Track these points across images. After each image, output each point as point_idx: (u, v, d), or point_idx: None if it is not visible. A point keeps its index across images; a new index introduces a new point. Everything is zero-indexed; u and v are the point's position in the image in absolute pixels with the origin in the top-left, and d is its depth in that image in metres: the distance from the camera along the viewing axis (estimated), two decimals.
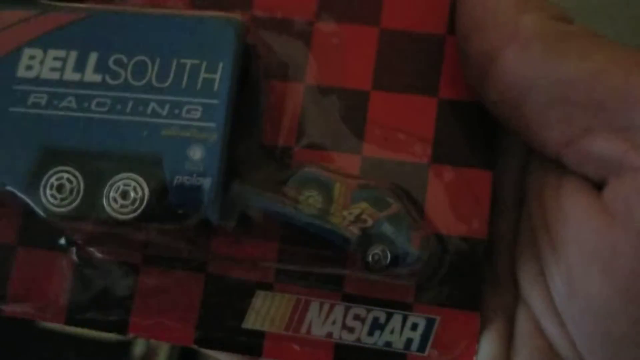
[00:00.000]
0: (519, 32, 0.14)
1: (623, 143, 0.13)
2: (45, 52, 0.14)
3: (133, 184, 0.14)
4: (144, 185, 0.14)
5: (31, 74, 0.14)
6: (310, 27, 0.17)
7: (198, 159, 0.14)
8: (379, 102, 0.17)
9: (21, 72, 0.15)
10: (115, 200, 0.14)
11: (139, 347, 0.66)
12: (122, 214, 0.14)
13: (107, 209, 0.14)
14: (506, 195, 0.17)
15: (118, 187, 0.14)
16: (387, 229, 0.14)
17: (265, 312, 0.16)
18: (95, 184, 0.14)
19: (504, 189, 0.17)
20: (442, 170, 0.17)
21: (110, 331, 0.17)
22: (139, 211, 0.14)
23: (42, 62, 0.14)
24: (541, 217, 0.15)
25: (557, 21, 0.15)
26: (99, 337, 0.65)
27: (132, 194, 0.14)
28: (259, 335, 0.16)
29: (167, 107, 0.14)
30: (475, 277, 0.16)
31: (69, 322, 0.17)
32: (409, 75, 0.17)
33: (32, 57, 0.14)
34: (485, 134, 0.17)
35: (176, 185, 0.14)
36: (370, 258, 0.14)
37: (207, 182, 0.14)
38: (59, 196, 0.14)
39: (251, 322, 0.16)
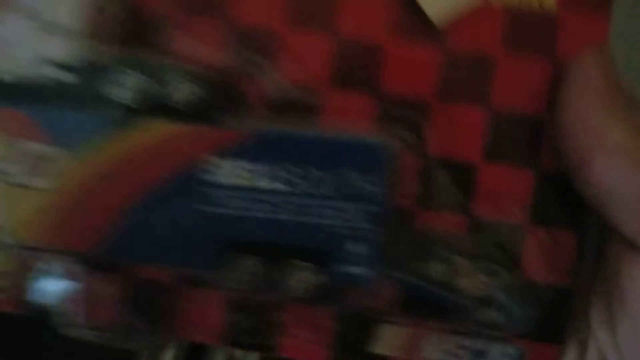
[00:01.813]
0: (606, 144, 0.17)
1: None
2: (229, 162, 0.18)
3: (305, 271, 0.18)
4: (315, 272, 0.18)
5: (216, 180, 0.18)
6: (430, 107, 0.21)
7: (359, 252, 0.18)
8: (486, 173, 0.20)
9: (210, 177, 0.18)
10: (297, 281, 0.18)
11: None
12: (302, 290, 0.18)
13: (290, 287, 0.18)
14: (587, 252, 0.21)
15: (291, 273, 0.18)
16: (500, 296, 0.19)
17: (390, 341, 0.21)
18: (276, 270, 0.18)
19: (586, 246, 0.21)
20: (537, 230, 0.20)
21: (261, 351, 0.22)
22: (310, 291, 0.18)
23: (226, 171, 0.18)
24: (615, 278, 0.19)
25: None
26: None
27: (309, 278, 0.18)
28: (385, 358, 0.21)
29: (334, 210, 0.18)
30: (560, 317, 0.20)
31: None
32: (513, 150, 0.20)
33: (216, 166, 0.18)
34: (574, 202, 0.20)
35: (340, 273, 0.18)
36: (484, 320, 0.19)
37: (364, 271, 0.18)
38: (245, 279, 0.18)
39: (379, 348, 0.21)
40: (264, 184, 0.18)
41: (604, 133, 0.18)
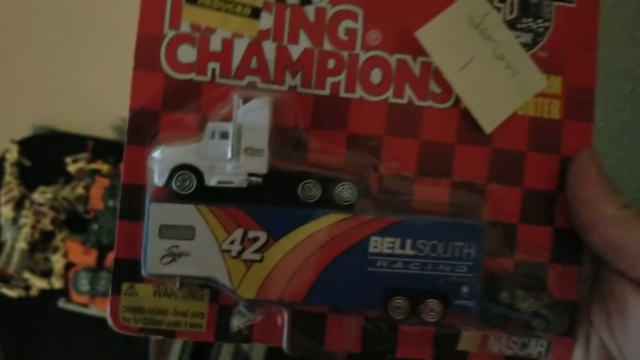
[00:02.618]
0: (603, 218, 0.29)
1: None
2: (383, 238, 0.28)
3: (435, 305, 0.28)
4: (440, 306, 0.28)
5: (376, 250, 0.28)
6: (484, 189, 0.32)
7: (467, 292, 0.29)
8: (523, 229, 0.32)
9: (371, 249, 0.28)
10: (429, 313, 0.29)
11: (153, 344, 0.71)
12: (430, 318, 0.29)
13: (424, 317, 0.29)
14: (586, 274, 0.32)
15: (426, 308, 0.28)
16: (544, 312, 0.30)
17: (469, 341, 0.32)
18: (413, 307, 0.28)
19: (586, 271, 0.32)
20: (556, 266, 0.32)
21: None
22: (437, 318, 0.29)
23: (382, 244, 0.28)
24: (611, 297, 0.31)
25: (626, 209, 0.29)
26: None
27: (435, 310, 0.29)
28: (465, 354, 0.32)
29: (449, 266, 0.28)
30: (572, 320, 0.32)
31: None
32: (538, 215, 0.32)
33: (376, 241, 0.28)
34: (576, 244, 0.32)
35: (456, 305, 0.29)
36: (536, 326, 0.30)
37: (472, 304, 0.29)
38: (398, 312, 0.28)
39: (462, 346, 0.32)
40: (404, 251, 0.28)
41: (601, 209, 0.29)
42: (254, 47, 0.31)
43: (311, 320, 0.31)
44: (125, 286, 0.31)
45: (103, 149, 0.80)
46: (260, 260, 0.28)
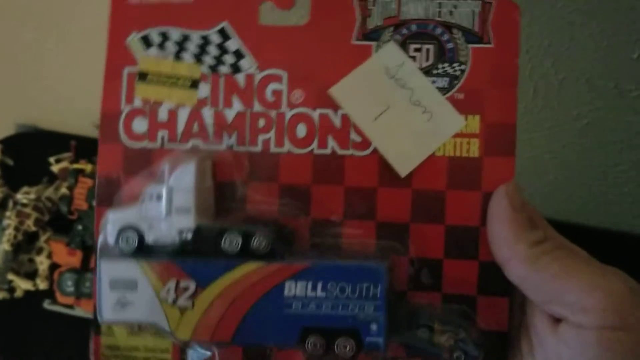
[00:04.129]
0: (514, 255, 0.30)
1: (565, 310, 0.30)
2: (296, 282, 0.31)
3: (348, 342, 0.31)
4: (353, 342, 0.31)
5: (291, 294, 0.31)
6: (409, 227, 0.34)
7: (375, 329, 0.31)
8: (448, 265, 0.33)
9: (286, 293, 0.31)
10: (342, 350, 0.31)
11: None
12: (344, 355, 0.31)
13: (338, 353, 0.31)
14: (516, 306, 0.33)
15: (340, 344, 0.31)
16: (462, 345, 0.32)
17: None
18: (328, 344, 0.31)
19: (516, 302, 0.33)
20: (484, 299, 0.33)
21: None
22: (352, 354, 0.31)
23: (295, 288, 0.31)
24: (532, 328, 0.32)
25: (537, 245, 0.30)
26: None
27: (349, 347, 0.31)
28: None
29: (357, 306, 0.31)
30: (502, 349, 0.33)
31: None
32: (463, 250, 0.33)
33: (290, 285, 0.31)
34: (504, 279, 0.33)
35: (367, 342, 0.31)
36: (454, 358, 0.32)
37: (381, 340, 0.31)
38: (315, 349, 0.31)
39: None
40: (316, 293, 0.31)
41: (512, 246, 0.30)
42: (195, 114, 0.36)
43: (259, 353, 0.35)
44: (104, 327, 0.36)
45: (86, 147, 0.78)
46: (192, 307, 0.32)
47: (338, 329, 0.31)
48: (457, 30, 0.34)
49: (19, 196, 0.75)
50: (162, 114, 0.36)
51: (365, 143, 0.34)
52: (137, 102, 0.36)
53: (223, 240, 0.32)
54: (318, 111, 0.35)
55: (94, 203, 0.36)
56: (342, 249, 0.34)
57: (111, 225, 0.34)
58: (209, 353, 0.35)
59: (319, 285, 0.31)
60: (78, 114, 0.85)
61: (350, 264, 0.32)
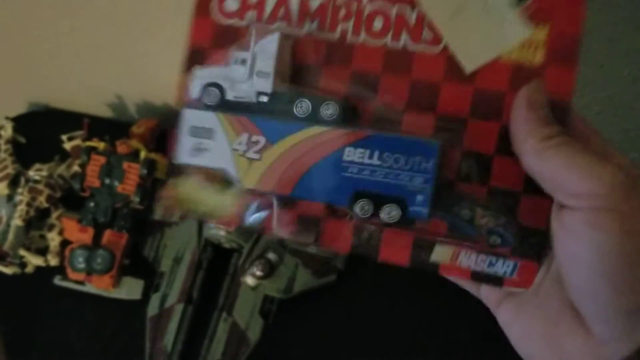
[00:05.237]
0: (525, 151, 0.33)
1: (565, 197, 0.31)
2: (355, 149, 0.34)
3: (393, 209, 0.34)
4: (398, 210, 0.34)
5: (349, 158, 0.34)
6: (466, 121, 0.36)
7: (421, 200, 0.34)
8: (497, 162, 0.36)
9: (344, 157, 0.34)
10: (387, 215, 0.34)
11: (152, 307, 0.72)
12: (393, 220, 0.34)
13: (383, 218, 0.34)
14: None
15: (385, 210, 0.34)
16: (500, 230, 0.34)
17: (441, 254, 0.36)
18: (375, 209, 0.34)
19: None
20: (528, 196, 0.35)
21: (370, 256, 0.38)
22: (395, 220, 0.34)
23: (354, 154, 0.34)
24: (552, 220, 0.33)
25: (546, 140, 0.32)
26: (113, 295, 0.73)
27: (394, 214, 0.34)
28: (437, 265, 0.37)
29: (408, 177, 0.34)
30: (539, 247, 0.35)
31: None
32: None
33: (349, 151, 0.34)
34: None
35: (413, 211, 0.34)
36: (490, 242, 0.34)
37: (425, 210, 0.34)
38: (363, 211, 0.34)
39: (435, 257, 0.36)
40: (372, 161, 0.34)
41: (524, 142, 0.33)
42: (282, 1, 0.39)
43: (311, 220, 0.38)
44: (174, 179, 0.40)
45: (99, 126, 0.78)
46: (259, 159, 0.36)
47: (386, 196, 0.34)
48: None
49: (31, 173, 0.75)
50: None
51: (436, 40, 0.37)
52: None
53: (295, 105, 0.36)
54: (396, 7, 0.38)
55: (182, 70, 0.40)
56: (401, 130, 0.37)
57: (198, 80, 0.37)
58: (264, 214, 0.38)
59: (376, 154, 0.34)
60: (90, 93, 0.87)
61: (408, 137, 0.35)
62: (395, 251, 0.37)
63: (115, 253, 0.71)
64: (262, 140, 0.36)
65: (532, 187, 0.35)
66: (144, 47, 0.77)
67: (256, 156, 0.36)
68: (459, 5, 0.37)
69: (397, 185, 0.34)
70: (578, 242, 0.30)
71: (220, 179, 0.37)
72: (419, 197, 0.34)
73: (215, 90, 0.37)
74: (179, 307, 0.70)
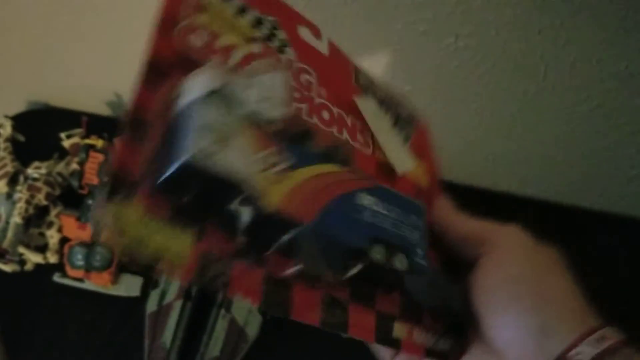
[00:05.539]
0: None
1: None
2: (367, 195, 0.33)
3: (403, 258, 0.34)
4: (406, 259, 0.34)
5: (361, 203, 0.33)
6: None
7: (421, 254, 0.35)
8: None
9: (358, 201, 0.33)
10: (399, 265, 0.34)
11: (151, 304, 0.71)
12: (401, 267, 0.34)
13: (397, 265, 0.34)
14: None
15: (397, 259, 0.34)
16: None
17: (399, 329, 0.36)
18: (395, 253, 0.34)
19: None
20: None
21: None
22: (404, 268, 0.34)
23: (366, 199, 0.33)
24: None
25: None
26: (112, 292, 0.73)
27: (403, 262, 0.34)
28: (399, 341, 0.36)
29: (408, 229, 0.34)
30: None
31: None
32: None
33: (362, 196, 0.33)
34: None
35: (416, 262, 0.34)
36: None
37: (425, 264, 0.35)
38: (382, 253, 0.34)
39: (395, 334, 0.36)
40: (379, 209, 0.34)
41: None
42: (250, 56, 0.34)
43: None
44: None
45: (97, 124, 0.78)
46: (284, 178, 0.30)
47: (396, 245, 0.34)
48: None
49: (30, 171, 0.75)
50: None
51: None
52: None
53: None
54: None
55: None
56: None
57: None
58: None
59: (384, 204, 0.34)
60: (89, 92, 0.87)
61: (402, 194, 0.36)
62: (361, 331, 0.35)
63: (114, 250, 0.71)
64: (284, 162, 0.30)
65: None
66: (143, 46, 0.74)
67: (279, 174, 0.30)
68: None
69: (403, 236, 0.34)
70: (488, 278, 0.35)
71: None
72: (419, 251, 0.35)
73: None
74: (178, 304, 0.71)
